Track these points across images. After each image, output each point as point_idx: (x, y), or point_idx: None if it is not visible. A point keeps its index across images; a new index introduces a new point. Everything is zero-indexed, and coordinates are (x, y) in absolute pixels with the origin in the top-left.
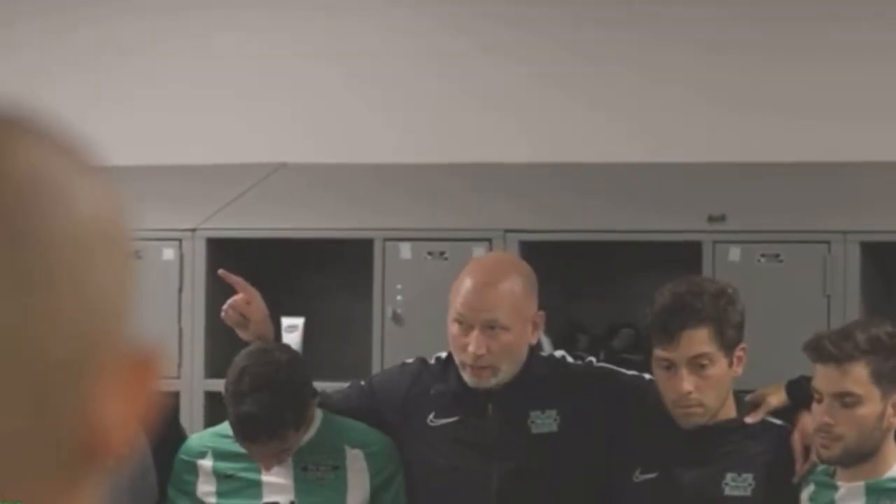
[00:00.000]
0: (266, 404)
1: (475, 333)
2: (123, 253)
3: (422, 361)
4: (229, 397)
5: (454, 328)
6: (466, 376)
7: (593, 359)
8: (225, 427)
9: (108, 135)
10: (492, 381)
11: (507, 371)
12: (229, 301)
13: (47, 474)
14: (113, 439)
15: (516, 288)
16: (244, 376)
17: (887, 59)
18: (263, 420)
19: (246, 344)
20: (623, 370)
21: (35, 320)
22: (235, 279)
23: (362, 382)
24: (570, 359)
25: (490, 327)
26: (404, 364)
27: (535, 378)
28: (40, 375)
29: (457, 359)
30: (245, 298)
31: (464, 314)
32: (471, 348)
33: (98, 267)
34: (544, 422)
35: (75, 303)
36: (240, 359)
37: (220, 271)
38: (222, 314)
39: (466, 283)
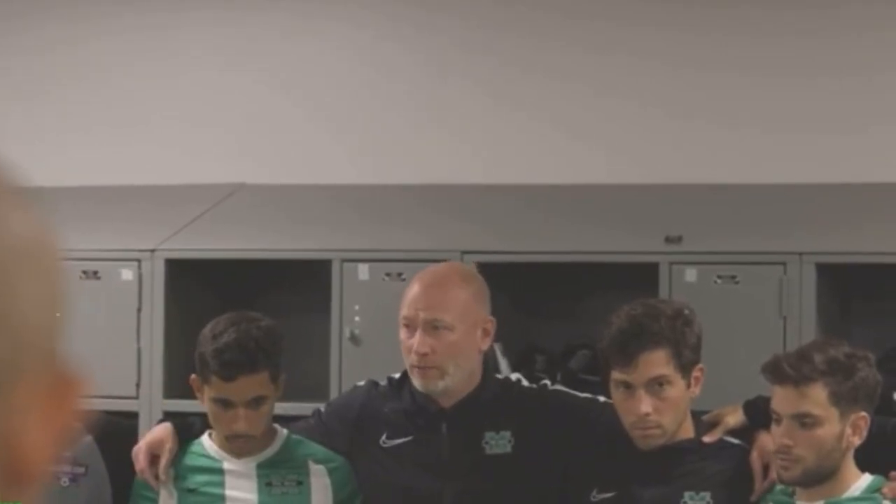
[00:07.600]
0: (244, 332)
1: (418, 333)
2: (47, 273)
3: (373, 384)
4: (206, 342)
5: (402, 333)
6: (416, 381)
7: (548, 381)
8: (187, 444)
9: (67, 156)
10: (440, 386)
11: (454, 375)
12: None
13: None
14: (32, 458)
15: (461, 290)
16: (220, 320)
17: (842, 77)
18: (242, 346)
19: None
20: (577, 393)
21: None
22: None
23: (321, 409)
24: (525, 382)
25: (434, 327)
26: (355, 387)
27: (490, 399)
28: None
29: (407, 364)
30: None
31: (408, 316)
32: (414, 347)
33: (19, 286)
34: (498, 443)
35: None
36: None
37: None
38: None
39: (413, 288)
